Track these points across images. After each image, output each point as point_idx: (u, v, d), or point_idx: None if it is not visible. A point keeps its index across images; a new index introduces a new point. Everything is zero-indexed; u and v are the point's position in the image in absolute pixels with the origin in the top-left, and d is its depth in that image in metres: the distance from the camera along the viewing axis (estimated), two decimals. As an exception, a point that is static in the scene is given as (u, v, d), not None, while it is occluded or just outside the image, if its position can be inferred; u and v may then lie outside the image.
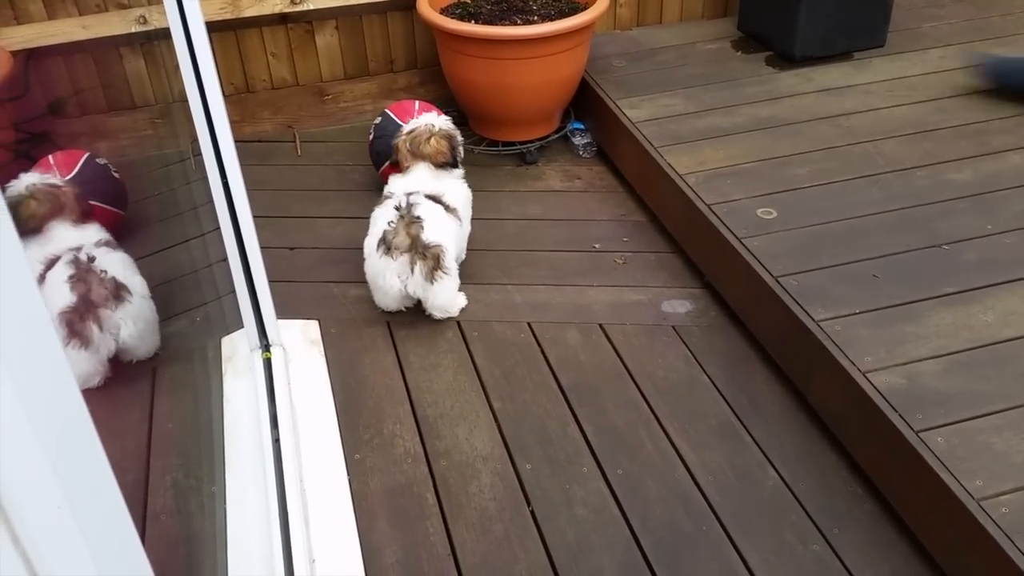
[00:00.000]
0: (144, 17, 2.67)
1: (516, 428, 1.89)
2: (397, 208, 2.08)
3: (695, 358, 2.06)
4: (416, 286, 2.06)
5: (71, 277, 1.89)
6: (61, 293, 1.87)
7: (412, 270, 2.04)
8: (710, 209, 2.21)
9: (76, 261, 1.91)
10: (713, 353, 2.07)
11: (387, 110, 2.64)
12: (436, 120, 2.29)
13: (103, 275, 1.91)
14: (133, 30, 2.67)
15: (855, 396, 1.72)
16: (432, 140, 2.23)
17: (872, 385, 1.69)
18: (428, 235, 2.05)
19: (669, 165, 2.42)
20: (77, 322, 1.86)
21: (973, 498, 1.49)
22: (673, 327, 2.16)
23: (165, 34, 1.64)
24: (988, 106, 2.57)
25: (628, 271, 2.35)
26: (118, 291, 1.92)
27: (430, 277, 2.05)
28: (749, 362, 2.05)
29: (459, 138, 2.29)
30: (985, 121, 2.50)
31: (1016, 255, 2.00)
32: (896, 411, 1.64)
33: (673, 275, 2.32)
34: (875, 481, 1.71)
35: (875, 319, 1.85)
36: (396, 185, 2.22)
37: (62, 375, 0.59)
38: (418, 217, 2.05)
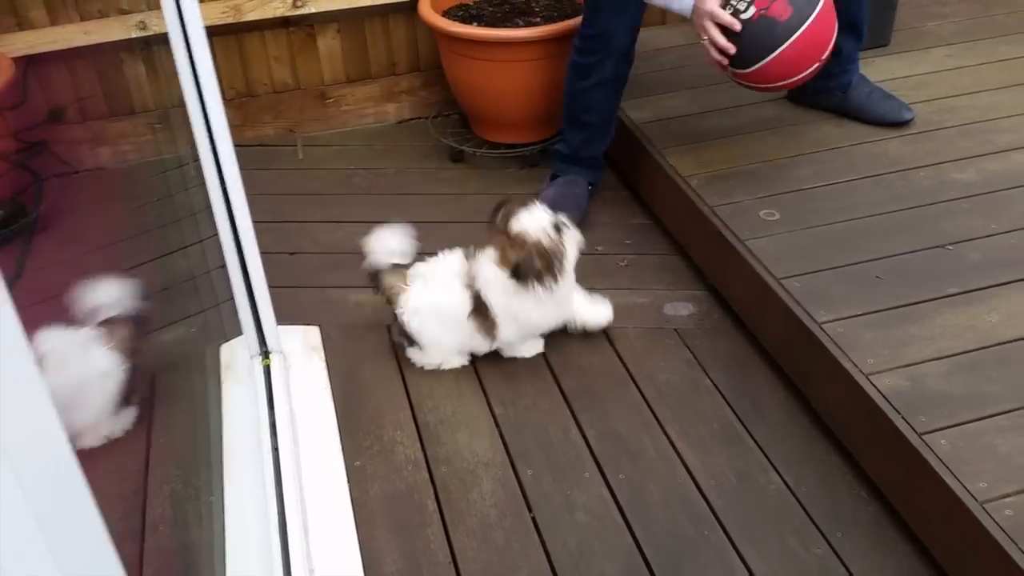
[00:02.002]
0: (143, 22, 2.67)
1: (517, 434, 1.88)
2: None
3: (698, 361, 2.05)
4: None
5: None
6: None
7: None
8: (713, 211, 2.19)
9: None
10: (716, 356, 2.06)
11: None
12: (542, 222, 1.87)
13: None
14: (133, 35, 2.68)
15: (858, 398, 1.70)
16: (512, 249, 1.84)
17: (875, 387, 1.68)
18: (405, 313, 1.95)
19: (671, 167, 2.41)
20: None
21: (977, 500, 1.47)
22: (676, 330, 2.15)
23: (165, 39, 1.63)
24: (991, 105, 2.54)
25: (631, 274, 2.34)
26: None
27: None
28: (752, 365, 2.03)
29: (562, 257, 1.89)
30: (989, 120, 2.48)
31: (1021, 255, 1.98)
32: (899, 413, 1.63)
33: (676, 277, 2.31)
34: (879, 484, 1.70)
35: (878, 321, 1.83)
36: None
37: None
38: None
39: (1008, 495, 1.48)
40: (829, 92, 2.52)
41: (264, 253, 1.86)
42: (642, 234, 2.48)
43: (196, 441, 1.88)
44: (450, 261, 1.98)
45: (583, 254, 2.41)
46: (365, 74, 3.03)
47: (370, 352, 2.10)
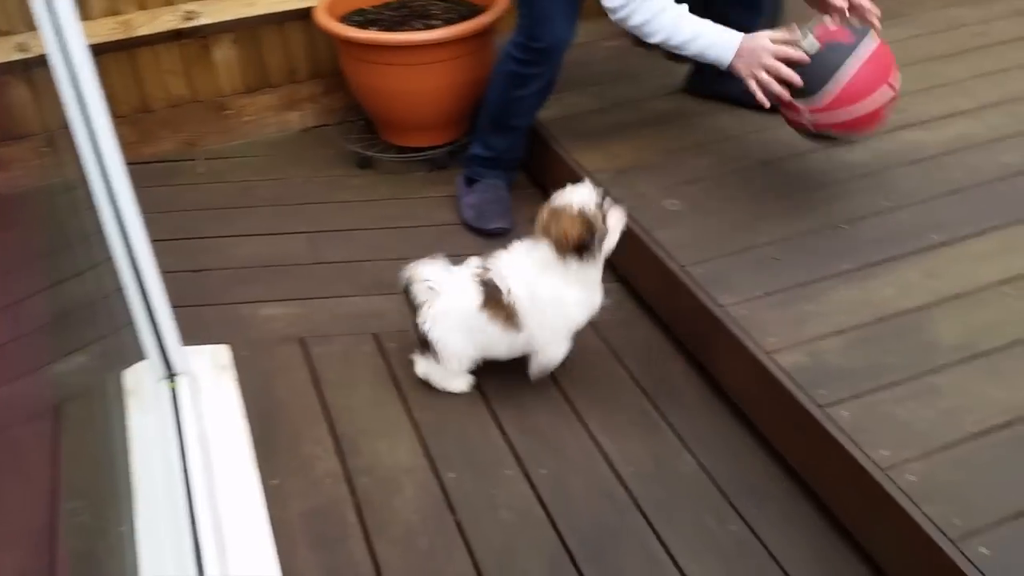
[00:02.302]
0: (24, 44, 2.56)
1: (438, 438, 1.88)
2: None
3: (613, 352, 2.08)
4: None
5: None
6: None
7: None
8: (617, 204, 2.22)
9: None
10: (630, 346, 2.10)
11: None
12: (585, 196, 1.83)
13: None
14: (14, 58, 2.56)
15: (762, 377, 1.76)
16: (560, 221, 1.79)
17: (777, 365, 1.73)
18: (428, 322, 1.88)
19: (577, 163, 2.44)
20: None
21: (880, 468, 1.54)
22: (591, 324, 2.17)
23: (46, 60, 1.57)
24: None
25: (543, 270, 2.36)
26: None
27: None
28: (665, 352, 2.07)
29: (600, 226, 1.82)
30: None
31: (911, 229, 2.07)
32: (801, 388, 1.68)
33: (587, 271, 2.33)
34: (788, 459, 1.75)
35: (778, 300, 1.89)
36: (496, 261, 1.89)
37: None
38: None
39: (909, 460, 1.54)
40: (723, 80, 2.58)
41: (167, 272, 1.80)
42: (552, 230, 2.50)
43: (104, 472, 1.81)
44: (464, 268, 1.91)
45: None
46: (264, 83, 2.97)
47: (283, 367, 2.07)
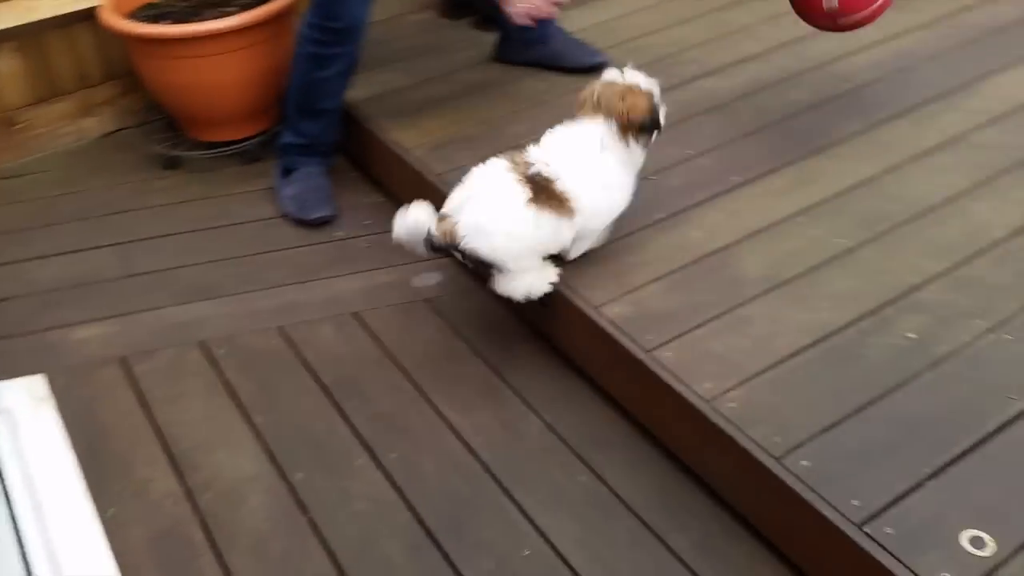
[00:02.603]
0: None
1: (281, 439, 1.83)
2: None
3: (451, 327, 2.09)
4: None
5: None
6: None
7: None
8: (440, 179, 2.23)
9: None
10: (468, 318, 2.11)
11: None
12: (635, 79, 1.85)
13: None
14: None
15: (594, 331, 1.82)
16: (629, 98, 1.80)
17: (605, 317, 1.80)
18: (468, 238, 1.74)
19: (394, 141, 2.41)
20: None
21: (705, 400, 1.63)
22: (426, 300, 2.18)
23: None
24: (675, 39, 2.76)
25: (374, 254, 2.33)
26: None
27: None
28: (503, 320, 2.10)
29: (661, 106, 1.86)
30: (674, 53, 2.70)
31: (713, 174, 2.19)
32: (628, 336, 1.76)
33: (418, 249, 2.33)
34: (627, 406, 1.83)
35: (601, 257, 1.96)
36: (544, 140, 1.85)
37: None
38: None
39: (729, 389, 1.64)
40: (530, 45, 2.62)
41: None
42: (379, 212, 2.47)
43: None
44: (488, 170, 1.80)
45: (324, 243, 2.39)
46: (55, 91, 2.76)
47: (106, 390, 1.95)
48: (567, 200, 1.78)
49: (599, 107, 1.83)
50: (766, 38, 2.75)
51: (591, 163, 1.82)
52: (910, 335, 1.69)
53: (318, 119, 2.41)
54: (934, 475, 1.45)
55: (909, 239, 1.93)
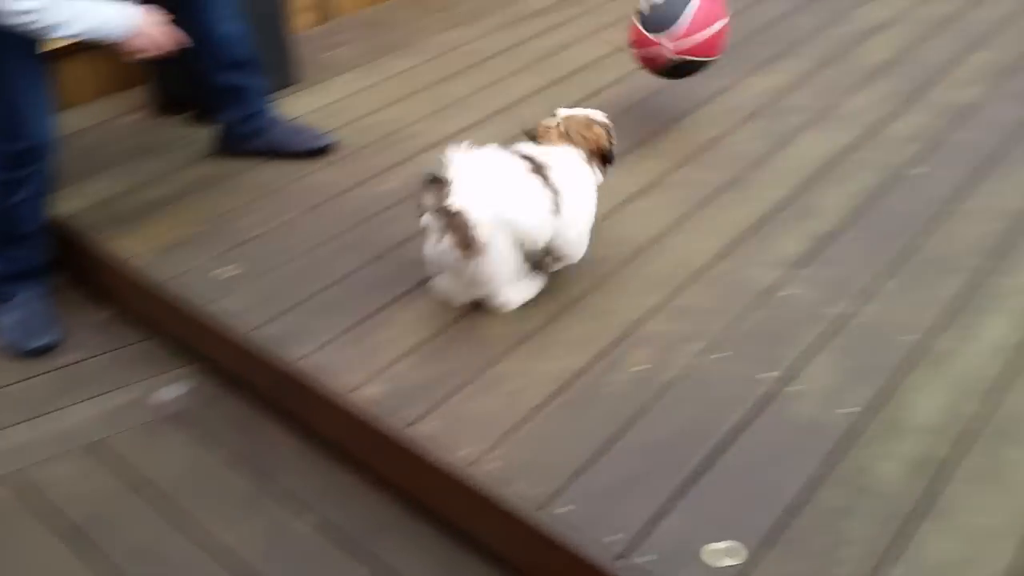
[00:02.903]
0: None
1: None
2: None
3: (204, 439, 1.98)
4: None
5: None
6: None
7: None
8: (165, 286, 2.12)
9: None
10: (222, 427, 2.01)
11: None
12: (593, 114, 2.07)
13: None
14: None
15: (351, 416, 1.80)
16: (595, 128, 2.03)
17: (361, 400, 1.78)
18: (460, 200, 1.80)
19: (115, 251, 2.27)
20: None
21: (466, 465, 1.63)
22: (172, 416, 2.04)
23: None
24: (398, 116, 2.84)
25: (108, 374, 2.16)
26: None
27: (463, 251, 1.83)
28: (259, 421, 2.01)
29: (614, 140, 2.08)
30: (398, 130, 2.77)
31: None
32: (386, 415, 1.75)
33: (157, 363, 2.18)
34: (398, 485, 1.80)
35: (350, 339, 1.95)
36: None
37: None
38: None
39: (488, 450, 1.67)
40: (251, 135, 2.59)
41: None
42: (109, 329, 2.30)
43: None
44: (496, 156, 1.91)
45: (46, 372, 2.18)
46: None
47: None
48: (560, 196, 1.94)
49: (567, 136, 2.02)
50: (483, 107, 2.90)
51: (578, 174, 2.00)
52: (641, 367, 1.83)
53: (25, 244, 2.22)
54: (678, 495, 1.55)
55: (628, 278, 2.10)
